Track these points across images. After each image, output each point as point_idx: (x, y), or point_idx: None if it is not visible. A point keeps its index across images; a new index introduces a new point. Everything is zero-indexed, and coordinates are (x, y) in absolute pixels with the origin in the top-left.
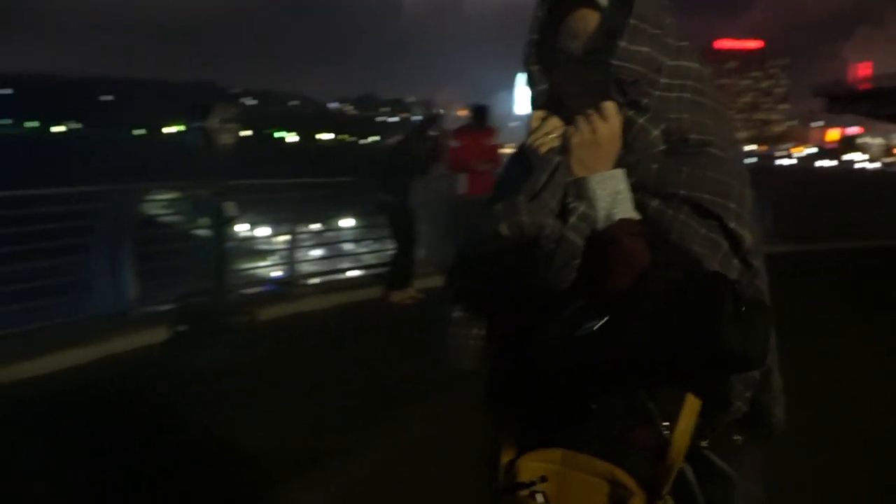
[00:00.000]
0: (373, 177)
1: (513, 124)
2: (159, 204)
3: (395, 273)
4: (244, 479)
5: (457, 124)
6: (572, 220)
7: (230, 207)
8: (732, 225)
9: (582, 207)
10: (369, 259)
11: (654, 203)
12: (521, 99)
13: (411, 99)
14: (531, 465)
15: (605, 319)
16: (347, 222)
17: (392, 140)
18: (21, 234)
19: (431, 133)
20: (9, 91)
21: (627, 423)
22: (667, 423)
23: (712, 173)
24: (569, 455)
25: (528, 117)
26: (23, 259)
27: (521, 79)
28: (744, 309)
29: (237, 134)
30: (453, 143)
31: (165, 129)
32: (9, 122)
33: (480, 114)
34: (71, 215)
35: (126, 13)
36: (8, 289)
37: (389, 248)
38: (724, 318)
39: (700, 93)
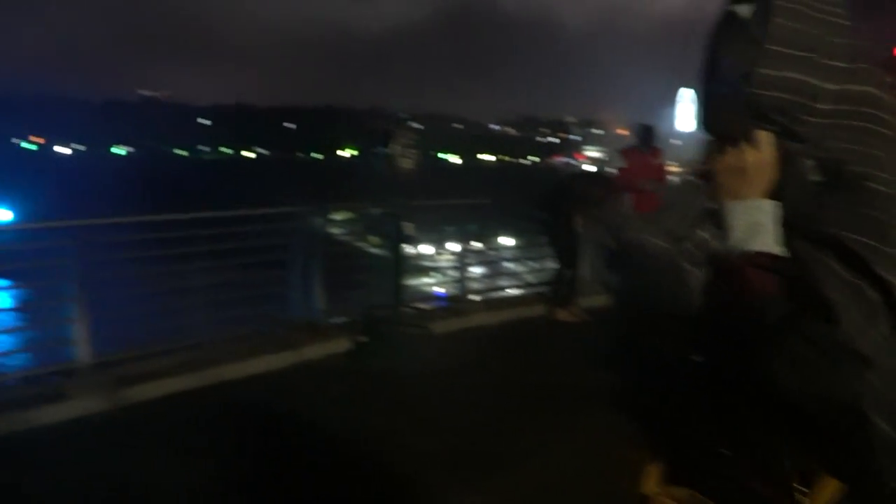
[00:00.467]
0: (536, 197)
1: (675, 142)
2: (342, 223)
3: (560, 291)
4: (416, 480)
5: (616, 143)
6: (687, 244)
7: (408, 227)
8: (883, 273)
9: (704, 234)
10: (533, 277)
11: (800, 239)
12: (683, 116)
13: (571, 119)
14: (661, 501)
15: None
16: (509, 241)
17: (558, 160)
18: (226, 250)
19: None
20: (208, 121)
21: (759, 476)
22: (804, 490)
23: (869, 211)
24: (695, 498)
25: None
26: (228, 271)
27: (683, 95)
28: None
29: (417, 158)
30: (621, 163)
31: (340, 153)
32: (207, 149)
33: (646, 134)
34: (269, 233)
35: (310, 44)
36: (216, 298)
37: (552, 266)
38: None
39: (876, 121)
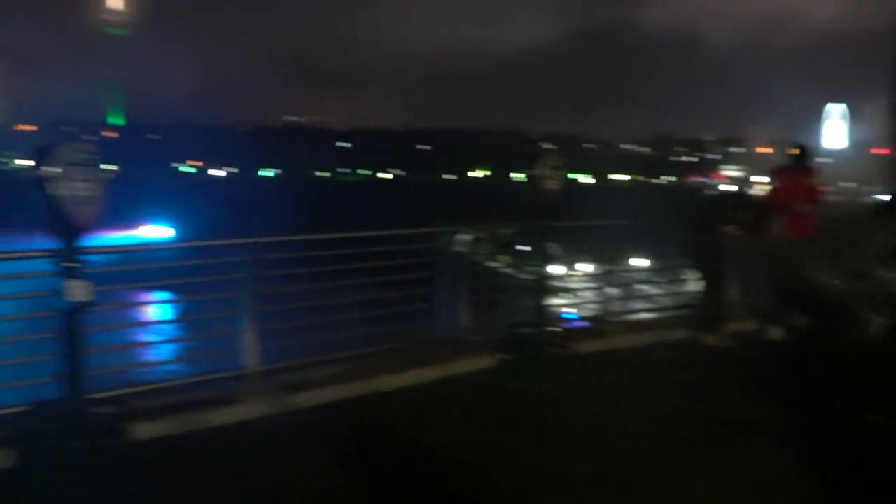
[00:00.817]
0: (679, 217)
1: (821, 160)
2: (477, 242)
3: (706, 315)
4: (553, 496)
5: (757, 162)
6: (867, 285)
7: (553, 247)
8: None
9: (889, 274)
10: (669, 300)
11: None
12: (832, 133)
13: (708, 137)
14: None
15: None
16: (643, 262)
17: (695, 180)
18: (377, 268)
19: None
20: (348, 144)
21: None
22: None
23: None
24: None
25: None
26: (379, 289)
27: (831, 111)
28: None
29: (563, 180)
30: (774, 184)
31: (471, 174)
32: (347, 170)
33: (802, 153)
34: (416, 252)
35: (444, 69)
36: (369, 314)
37: (696, 289)
38: None
39: None
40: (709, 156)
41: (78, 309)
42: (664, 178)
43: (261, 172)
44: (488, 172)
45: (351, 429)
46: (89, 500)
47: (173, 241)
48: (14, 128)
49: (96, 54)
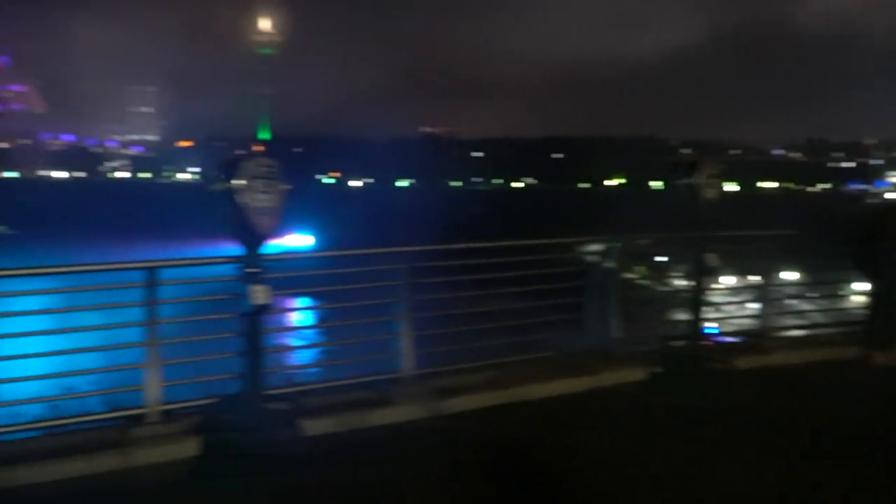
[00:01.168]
0: (846, 228)
1: None
2: (621, 253)
3: (878, 333)
4: None
5: None
6: None
7: (712, 258)
8: None
9: None
10: (835, 315)
11: None
12: None
13: (870, 141)
14: None
15: None
16: (794, 275)
17: (855, 188)
18: (524, 277)
19: None
20: (481, 154)
21: None
22: None
23: None
24: None
25: None
26: (525, 297)
27: None
28: None
29: (721, 189)
30: None
31: (607, 182)
32: (480, 180)
33: None
34: (560, 262)
35: (579, 76)
36: (517, 322)
37: (863, 304)
38: None
39: None
40: (871, 161)
41: (258, 311)
42: (819, 186)
43: (397, 183)
44: (623, 181)
45: (499, 435)
46: (264, 489)
47: (327, 249)
48: (174, 144)
49: (245, 73)
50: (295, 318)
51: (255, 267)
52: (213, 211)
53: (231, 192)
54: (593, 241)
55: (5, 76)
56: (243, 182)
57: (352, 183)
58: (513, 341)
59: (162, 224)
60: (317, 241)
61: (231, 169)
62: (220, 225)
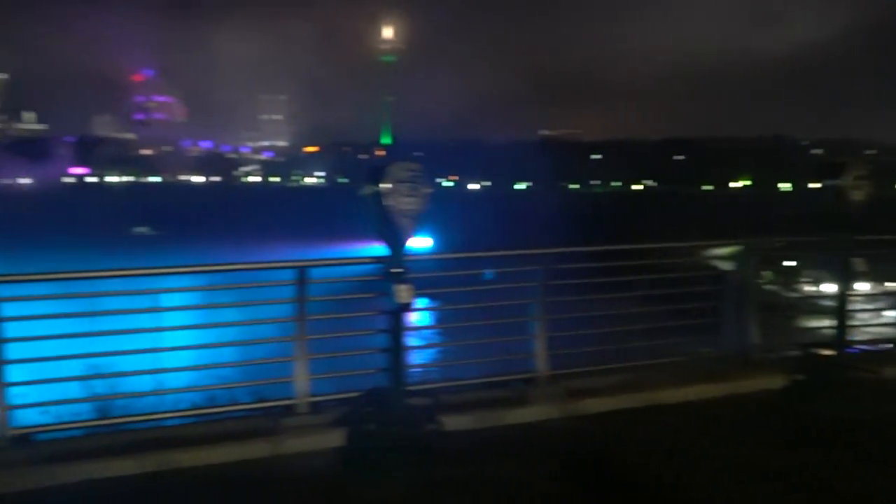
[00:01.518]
0: None
1: None
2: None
3: None
4: None
5: None
6: None
7: (859, 263)
8: None
9: None
10: None
11: None
12: None
13: None
14: None
15: None
16: None
17: None
18: (655, 280)
19: None
20: (599, 156)
21: None
22: None
23: None
24: None
25: None
26: (656, 302)
27: None
28: None
29: (869, 190)
30: None
31: (732, 184)
32: (598, 182)
33: None
34: (692, 266)
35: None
36: (650, 325)
37: None
38: None
39: None
40: None
41: (402, 310)
42: None
43: (515, 186)
44: (749, 182)
45: (634, 437)
46: (407, 481)
47: (445, 251)
48: (302, 149)
49: (369, 80)
50: (431, 318)
51: (399, 267)
52: (341, 213)
53: (378, 196)
54: (723, 245)
55: (151, 88)
56: (389, 186)
57: (470, 186)
58: (645, 345)
59: (293, 225)
60: (434, 243)
61: (378, 174)
62: (367, 226)
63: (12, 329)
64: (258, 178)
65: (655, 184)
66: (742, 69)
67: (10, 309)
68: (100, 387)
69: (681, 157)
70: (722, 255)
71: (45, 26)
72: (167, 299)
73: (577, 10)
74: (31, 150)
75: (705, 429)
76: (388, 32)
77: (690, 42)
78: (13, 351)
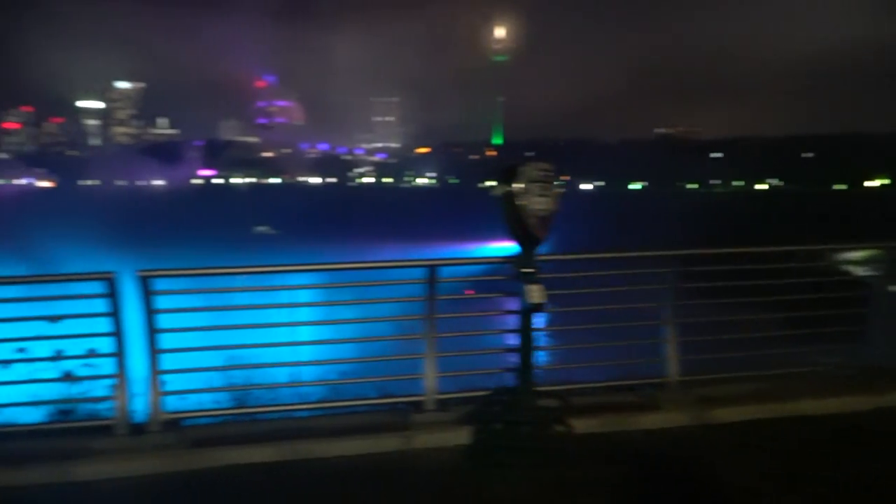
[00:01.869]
0: None
1: None
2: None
3: None
4: None
5: None
6: None
7: None
8: None
9: None
10: None
11: None
12: None
13: None
14: None
15: None
16: None
17: None
18: (794, 285)
19: None
20: (720, 154)
21: None
22: None
23: None
24: None
25: None
26: (784, 308)
27: None
28: None
29: None
30: None
31: (867, 183)
32: (718, 182)
33: None
34: (825, 271)
35: (835, 68)
36: (784, 333)
37: None
38: None
39: None
40: None
41: (533, 310)
42: None
43: (629, 186)
44: (887, 181)
45: (770, 448)
46: (534, 481)
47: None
48: (413, 150)
49: (479, 80)
50: (557, 318)
51: (530, 267)
52: (455, 213)
53: (511, 196)
54: (860, 249)
55: (272, 93)
56: (522, 186)
57: (582, 186)
58: (779, 352)
59: (407, 225)
60: (550, 243)
61: (510, 174)
62: (499, 226)
63: (163, 321)
64: (371, 179)
65: (781, 183)
66: (875, 60)
67: (162, 302)
68: (237, 377)
69: (810, 155)
70: (857, 259)
71: (176, 37)
72: (300, 295)
73: (697, 3)
74: (164, 153)
75: (854, 444)
76: (500, 32)
77: (816, 32)
78: (164, 341)
